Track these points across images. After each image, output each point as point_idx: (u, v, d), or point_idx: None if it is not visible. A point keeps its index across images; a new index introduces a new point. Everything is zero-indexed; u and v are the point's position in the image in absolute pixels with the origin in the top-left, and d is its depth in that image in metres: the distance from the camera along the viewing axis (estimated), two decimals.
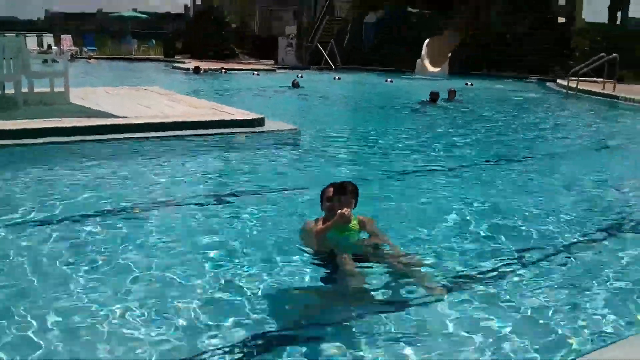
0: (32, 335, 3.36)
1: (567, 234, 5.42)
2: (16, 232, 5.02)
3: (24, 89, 11.13)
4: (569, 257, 4.83)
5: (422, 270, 4.30)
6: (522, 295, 4.08)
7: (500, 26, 27.85)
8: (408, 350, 3.34)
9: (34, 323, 3.47)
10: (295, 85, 19.70)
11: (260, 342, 3.39)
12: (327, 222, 4.40)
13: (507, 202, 6.40)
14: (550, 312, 3.82)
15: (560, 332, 3.58)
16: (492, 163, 8.76)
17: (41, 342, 3.29)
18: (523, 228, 5.50)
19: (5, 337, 3.33)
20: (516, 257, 4.77)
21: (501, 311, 3.81)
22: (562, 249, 5.03)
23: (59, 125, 9.11)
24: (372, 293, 4.03)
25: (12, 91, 11.14)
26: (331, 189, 4.51)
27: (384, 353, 3.32)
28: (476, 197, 6.49)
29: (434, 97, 15.12)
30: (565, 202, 6.55)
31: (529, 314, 3.80)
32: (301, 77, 24.99)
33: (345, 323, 3.66)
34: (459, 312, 3.79)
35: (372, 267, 4.31)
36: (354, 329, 3.59)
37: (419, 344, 3.41)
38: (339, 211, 4.21)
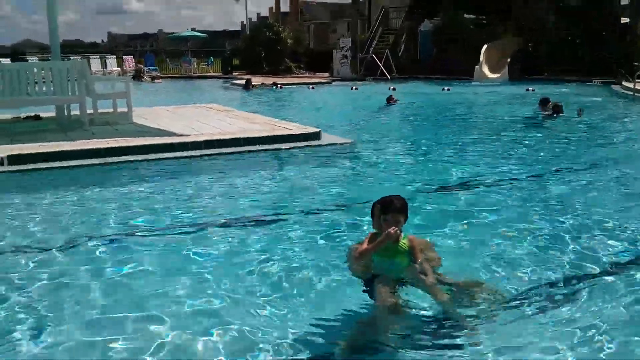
0: None
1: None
2: (80, 252, 5.14)
3: (89, 110, 11.49)
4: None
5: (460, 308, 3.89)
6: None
7: (561, 29, 27.11)
8: None
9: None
10: (391, 101, 17.48)
11: None
12: (373, 242, 4.06)
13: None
14: None
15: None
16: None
17: None
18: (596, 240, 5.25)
19: None
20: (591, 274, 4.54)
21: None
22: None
23: (124, 144, 9.35)
24: (406, 327, 3.71)
25: (78, 112, 11.52)
26: (383, 209, 4.09)
27: None
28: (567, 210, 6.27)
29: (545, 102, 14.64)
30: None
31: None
32: (356, 89, 25.02)
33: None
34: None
35: (416, 297, 3.96)
36: None
37: None
38: (386, 231, 3.92)
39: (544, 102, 14.74)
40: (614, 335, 3.54)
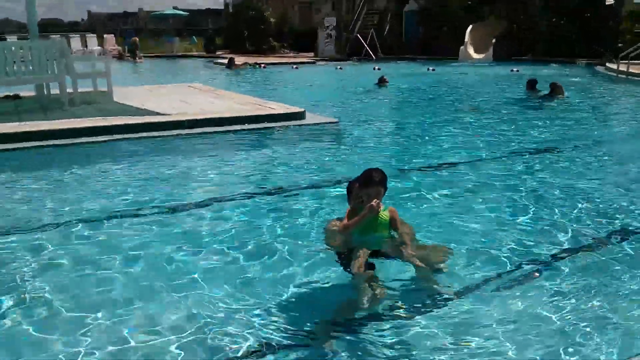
0: None
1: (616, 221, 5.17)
2: (66, 230, 5.05)
3: (69, 89, 11.30)
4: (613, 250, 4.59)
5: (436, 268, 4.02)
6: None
7: (546, 10, 27.07)
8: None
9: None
10: (382, 82, 17.23)
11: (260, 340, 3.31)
12: (355, 217, 4.07)
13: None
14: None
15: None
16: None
17: None
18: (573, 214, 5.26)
19: None
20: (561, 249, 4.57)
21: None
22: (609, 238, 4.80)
23: (103, 124, 9.20)
24: (384, 297, 3.71)
25: (57, 91, 11.32)
26: (362, 188, 4.10)
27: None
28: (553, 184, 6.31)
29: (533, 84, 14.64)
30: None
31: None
32: (341, 68, 24.86)
33: (352, 327, 3.45)
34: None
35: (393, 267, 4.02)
36: (358, 334, 3.38)
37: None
38: (368, 204, 3.94)
39: (532, 83, 14.67)
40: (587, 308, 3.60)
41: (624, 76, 18.46)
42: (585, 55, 24.51)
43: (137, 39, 33.80)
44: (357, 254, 3.91)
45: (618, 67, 19.07)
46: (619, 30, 25.21)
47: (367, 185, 4.02)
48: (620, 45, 22.30)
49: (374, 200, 3.96)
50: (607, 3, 26.82)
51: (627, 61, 18.50)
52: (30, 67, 11.13)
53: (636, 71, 18.33)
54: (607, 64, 21.32)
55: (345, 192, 4.47)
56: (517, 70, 21.67)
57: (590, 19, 25.88)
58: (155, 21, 50.07)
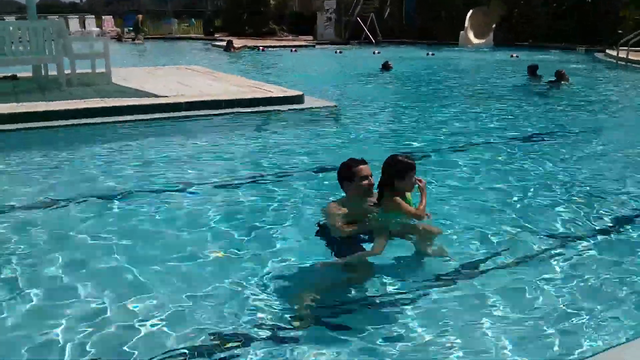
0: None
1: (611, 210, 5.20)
2: (57, 210, 5.07)
3: (67, 70, 11.27)
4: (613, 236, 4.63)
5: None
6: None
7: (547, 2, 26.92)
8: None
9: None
10: (386, 67, 17.07)
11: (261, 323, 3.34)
12: (402, 203, 4.06)
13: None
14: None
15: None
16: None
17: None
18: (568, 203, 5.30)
19: None
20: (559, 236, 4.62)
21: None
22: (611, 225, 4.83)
23: (101, 105, 9.20)
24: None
25: (55, 72, 11.29)
26: (362, 167, 4.13)
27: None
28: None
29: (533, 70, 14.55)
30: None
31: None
32: (340, 52, 24.76)
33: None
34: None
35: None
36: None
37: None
38: (419, 184, 4.07)
39: (532, 69, 14.58)
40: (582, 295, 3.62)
41: (623, 63, 18.41)
42: (585, 42, 24.41)
43: (141, 17, 33.44)
44: (381, 236, 3.99)
45: (618, 54, 19.01)
46: (619, 16, 25.05)
47: (411, 168, 4.08)
48: (620, 32, 22.18)
49: (418, 179, 4.09)
50: None
51: (626, 48, 18.44)
52: (28, 48, 11.11)
53: (636, 58, 18.29)
54: (607, 51, 21.26)
55: (343, 177, 4.26)
56: (517, 56, 21.60)
57: (591, 4, 25.75)
58: (155, 2, 49.65)
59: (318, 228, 4.25)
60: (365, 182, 4.13)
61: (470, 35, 28.04)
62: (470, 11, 28.33)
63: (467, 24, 28.12)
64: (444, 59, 21.91)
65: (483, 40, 27.59)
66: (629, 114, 10.78)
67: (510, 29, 27.52)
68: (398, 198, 4.06)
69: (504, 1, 28.39)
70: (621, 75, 16.85)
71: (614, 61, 19.17)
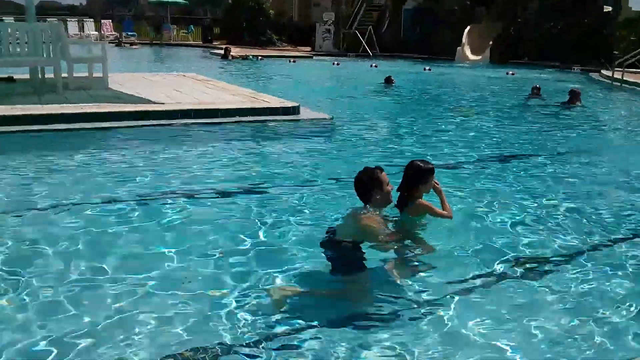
0: None
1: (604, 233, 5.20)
2: (50, 215, 5.05)
3: (64, 74, 11.25)
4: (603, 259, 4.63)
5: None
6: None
7: (543, 15, 27.12)
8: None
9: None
10: (389, 82, 16.78)
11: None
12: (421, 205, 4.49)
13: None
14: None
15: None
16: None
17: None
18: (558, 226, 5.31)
19: None
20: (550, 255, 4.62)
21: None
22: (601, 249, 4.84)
23: (97, 110, 9.18)
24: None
25: (52, 76, 11.27)
26: (384, 174, 4.20)
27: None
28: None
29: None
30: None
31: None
32: (338, 64, 24.84)
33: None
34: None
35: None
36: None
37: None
38: (437, 187, 4.54)
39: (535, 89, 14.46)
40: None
41: (618, 84, 18.55)
42: (581, 62, 24.60)
43: (172, 29, 32.38)
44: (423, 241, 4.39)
45: (613, 74, 19.16)
46: (616, 37, 25.28)
47: (434, 171, 4.52)
48: (615, 52, 22.38)
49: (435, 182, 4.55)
50: (604, 10, 26.93)
51: (622, 69, 18.59)
52: (26, 49, 11.10)
53: (630, 79, 18.43)
54: (602, 71, 21.42)
55: (373, 185, 4.20)
56: (513, 74, 21.73)
57: (587, 25, 25.97)
58: (154, 8, 49.71)
59: (327, 239, 4.17)
60: (390, 187, 4.26)
61: (467, 51, 28.23)
62: (468, 27, 28.56)
63: (464, 40, 28.32)
64: (441, 74, 22.01)
65: (479, 57, 27.77)
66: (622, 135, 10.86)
67: (506, 46, 27.71)
68: (425, 201, 4.45)
69: (500, 19, 28.61)
70: (616, 96, 16.98)
71: (610, 81, 19.31)
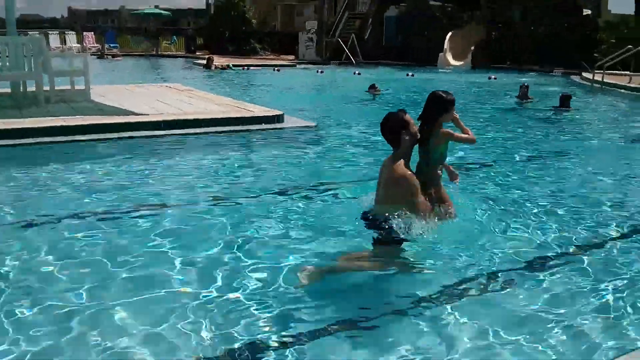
0: None
1: (583, 233, 5.23)
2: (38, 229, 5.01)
3: (45, 87, 11.18)
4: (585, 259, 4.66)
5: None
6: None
7: (524, 19, 27.44)
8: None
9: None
10: (373, 89, 16.32)
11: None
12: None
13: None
14: None
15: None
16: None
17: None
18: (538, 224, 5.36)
19: None
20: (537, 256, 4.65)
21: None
22: (580, 248, 4.88)
23: (80, 123, 9.13)
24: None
25: (34, 89, 11.19)
26: (407, 114, 4.40)
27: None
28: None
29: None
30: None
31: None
32: (321, 72, 24.92)
33: None
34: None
35: None
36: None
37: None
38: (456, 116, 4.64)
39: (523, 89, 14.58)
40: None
41: (598, 86, 18.75)
42: (562, 65, 24.87)
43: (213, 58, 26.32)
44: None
45: (593, 77, 19.37)
46: (597, 40, 25.56)
47: (454, 101, 4.60)
48: (595, 55, 22.64)
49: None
50: (584, 13, 27.27)
51: (602, 71, 18.80)
52: (7, 64, 11.02)
53: (611, 81, 18.65)
54: (583, 74, 21.66)
55: (401, 127, 4.38)
56: (495, 78, 21.92)
57: (568, 28, 26.28)
58: (136, 20, 49.69)
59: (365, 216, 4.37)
60: (415, 127, 4.38)
61: (449, 57, 28.45)
62: (450, 33, 28.80)
63: (446, 45, 28.56)
64: (425, 80, 22.12)
65: (462, 62, 28.01)
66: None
67: (488, 51, 27.96)
68: (447, 129, 4.59)
69: (482, 24, 28.89)
70: (597, 99, 17.16)
71: (590, 84, 19.51)
